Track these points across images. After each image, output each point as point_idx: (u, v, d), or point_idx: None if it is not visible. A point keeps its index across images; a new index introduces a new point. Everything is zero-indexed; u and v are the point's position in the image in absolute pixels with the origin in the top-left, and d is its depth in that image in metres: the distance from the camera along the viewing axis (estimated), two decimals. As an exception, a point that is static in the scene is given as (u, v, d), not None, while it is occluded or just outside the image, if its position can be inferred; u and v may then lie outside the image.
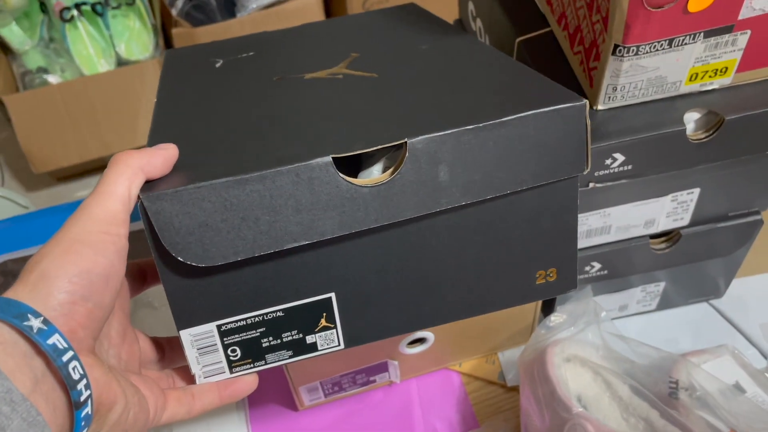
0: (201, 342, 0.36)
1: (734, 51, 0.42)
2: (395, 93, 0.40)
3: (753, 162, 0.48)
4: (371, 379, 0.57)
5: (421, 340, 0.55)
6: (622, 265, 0.54)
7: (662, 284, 0.59)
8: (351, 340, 0.38)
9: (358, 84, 0.42)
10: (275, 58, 0.51)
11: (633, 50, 0.41)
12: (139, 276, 0.39)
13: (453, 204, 0.34)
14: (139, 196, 0.31)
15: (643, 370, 0.52)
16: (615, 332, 0.54)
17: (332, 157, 0.32)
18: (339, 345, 0.38)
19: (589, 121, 0.35)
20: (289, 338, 0.37)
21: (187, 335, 0.35)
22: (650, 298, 0.60)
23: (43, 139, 1.41)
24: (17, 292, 0.28)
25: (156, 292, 0.65)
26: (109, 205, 0.30)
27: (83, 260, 0.29)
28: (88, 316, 0.29)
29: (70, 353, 0.27)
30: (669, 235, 0.53)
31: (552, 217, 0.38)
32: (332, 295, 0.36)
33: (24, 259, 0.69)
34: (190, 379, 0.37)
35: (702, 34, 0.41)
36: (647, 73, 0.43)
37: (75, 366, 0.27)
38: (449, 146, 0.33)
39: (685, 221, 0.52)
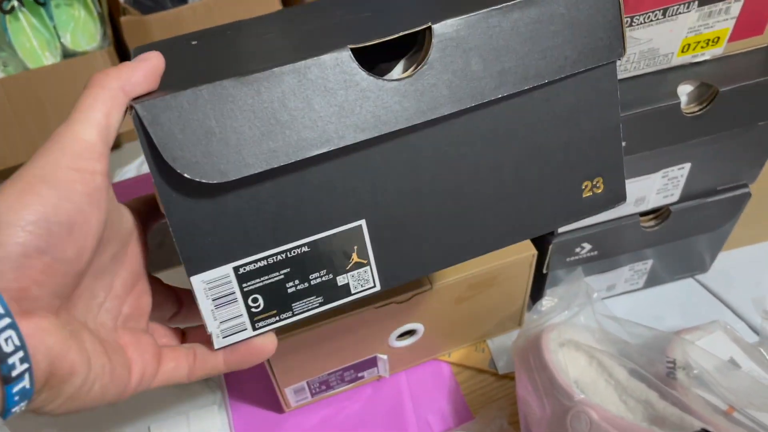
0: (217, 291, 0.30)
1: (727, 20, 0.41)
2: None
3: (742, 134, 0.47)
4: (359, 375, 0.54)
5: (410, 333, 0.53)
6: (613, 244, 0.53)
7: (650, 262, 0.58)
8: (387, 279, 0.33)
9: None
10: (259, 32, 0.45)
11: (627, 21, 0.39)
12: (153, 211, 0.33)
13: (490, 96, 0.31)
14: (132, 107, 0.27)
15: (637, 351, 0.51)
16: (607, 313, 0.53)
17: (350, 48, 0.28)
18: (375, 286, 0.33)
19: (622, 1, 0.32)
20: (318, 280, 0.32)
21: (199, 282, 0.30)
22: (638, 277, 0.59)
23: (-13, 138, 1.34)
24: None
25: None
26: (83, 134, 0.25)
27: (42, 204, 0.24)
28: (45, 272, 0.24)
29: (5, 320, 0.23)
30: (658, 212, 0.52)
31: (593, 115, 0.34)
32: (362, 222, 0.32)
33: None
34: (205, 341, 0.32)
35: (696, 2, 0.39)
36: (640, 45, 0.41)
37: (9, 336, 0.23)
38: (478, 31, 0.30)
39: (675, 197, 0.51)
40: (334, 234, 0.31)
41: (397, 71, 0.31)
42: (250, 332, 0.31)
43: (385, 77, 0.29)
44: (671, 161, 0.48)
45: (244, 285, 0.31)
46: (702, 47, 0.43)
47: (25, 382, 0.23)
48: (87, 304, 0.28)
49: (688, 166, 0.48)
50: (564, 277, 0.55)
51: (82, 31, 1.37)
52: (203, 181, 0.28)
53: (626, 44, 0.33)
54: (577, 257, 0.53)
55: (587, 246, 0.52)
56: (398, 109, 0.29)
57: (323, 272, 0.32)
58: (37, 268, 0.24)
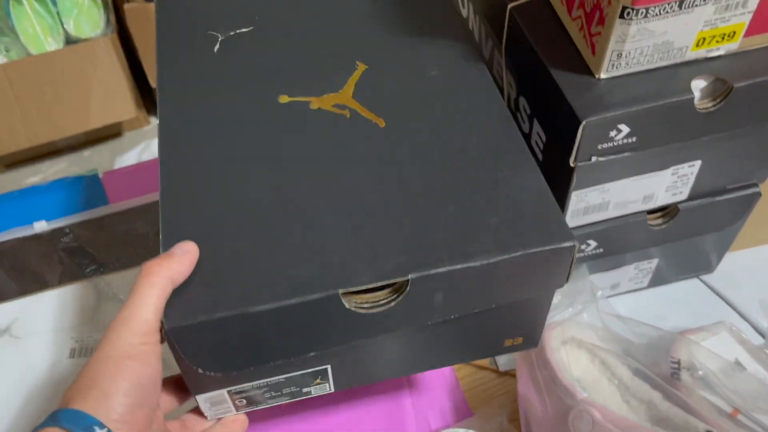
0: (213, 399, 0.40)
1: (744, 14, 0.40)
2: (401, 170, 0.41)
3: (756, 132, 0.46)
4: (358, 369, 0.54)
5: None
6: (619, 242, 0.52)
7: (655, 261, 0.57)
8: (340, 386, 0.43)
9: (363, 139, 0.42)
10: (276, 43, 0.48)
11: (642, 12, 0.38)
12: None
13: (443, 318, 0.38)
14: (164, 325, 0.34)
15: (641, 350, 0.50)
16: (611, 312, 0.53)
17: (340, 292, 0.35)
18: (330, 390, 0.43)
19: (575, 257, 0.38)
20: (288, 391, 0.41)
21: (202, 398, 0.40)
22: (642, 276, 0.59)
23: (-12, 124, 1.32)
24: (83, 406, 0.31)
25: (120, 285, 0.61)
26: (145, 316, 0.33)
27: (133, 374, 0.33)
28: (145, 420, 0.34)
29: None
30: (666, 210, 0.51)
31: (526, 310, 0.41)
32: (328, 367, 0.41)
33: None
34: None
35: (713, -5, 0.38)
36: (654, 38, 0.40)
37: None
38: (447, 279, 0.36)
39: (684, 195, 0.50)
40: (304, 372, 0.40)
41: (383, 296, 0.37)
42: (234, 413, 0.42)
43: (365, 310, 0.36)
44: (682, 158, 0.47)
45: (234, 397, 0.40)
46: (717, 41, 0.42)
47: None
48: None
49: (698, 163, 0.47)
50: (569, 274, 0.54)
51: (86, 17, 1.35)
52: (212, 374, 0.37)
53: (570, 278, 0.39)
54: (582, 254, 0.52)
55: (592, 243, 0.51)
56: (371, 326, 0.37)
57: (293, 388, 0.41)
58: (140, 419, 0.33)
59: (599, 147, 0.43)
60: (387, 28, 0.49)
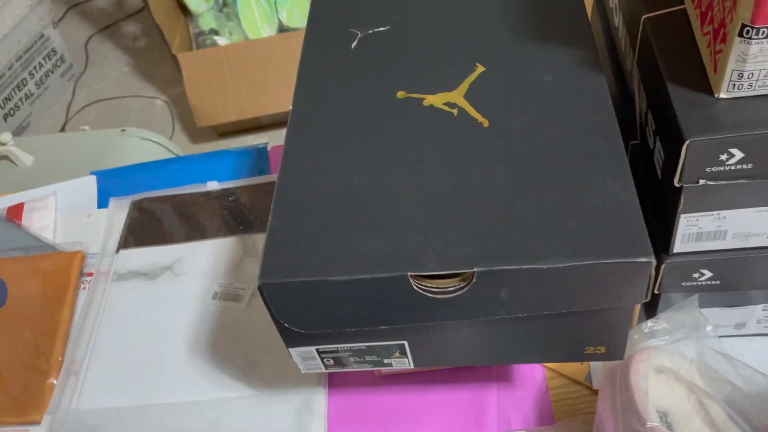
0: (304, 354, 0.45)
1: None
2: (491, 167, 0.42)
3: None
4: (449, 356, 0.56)
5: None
6: (739, 276, 0.48)
7: (791, 306, 0.52)
8: (419, 364, 0.46)
9: (464, 136, 0.44)
10: (407, 42, 0.52)
11: (763, 32, 0.36)
12: None
13: (509, 315, 0.40)
14: (258, 280, 0.39)
15: (746, 397, 0.46)
16: (719, 349, 0.49)
17: (409, 275, 0.38)
18: (409, 366, 0.46)
19: (653, 273, 0.37)
20: (371, 359, 0.45)
21: (294, 351, 0.45)
22: (775, 320, 0.53)
23: (207, 96, 1.53)
24: None
25: (262, 244, 0.68)
26: None
27: None
28: None
29: None
30: (801, 251, 0.47)
31: (604, 320, 0.41)
32: (405, 342, 0.44)
33: (158, 199, 0.76)
34: None
35: None
36: (777, 60, 0.37)
37: None
38: (514, 277, 0.37)
39: (822, 236, 0.45)
40: (384, 344, 0.44)
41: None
42: (323, 370, 0.47)
43: (432, 294, 0.39)
44: (816, 194, 0.42)
45: (322, 355, 0.45)
46: None
47: None
48: None
49: (838, 202, 0.43)
50: (680, 302, 0.51)
51: (299, 8, 1.50)
52: (297, 330, 0.42)
53: (650, 294, 0.38)
54: (694, 283, 0.49)
55: (707, 273, 0.48)
56: (438, 311, 0.40)
57: (374, 357, 0.45)
58: None
59: (707, 170, 0.41)
60: (513, 30, 0.50)
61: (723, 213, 0.44)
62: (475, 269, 0.37)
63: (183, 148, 1.61)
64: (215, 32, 1.51)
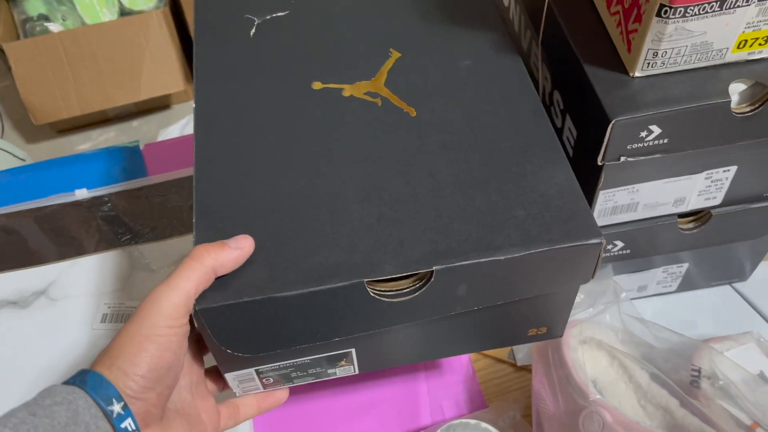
0: (241, 377, 0.41)
1: (790, 17, 0.39)
2: (430, 160, 0.41)
3: (797, 140, 0.44)
4: (376, 353, 0.55)
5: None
6: (647, 244, 0.51)
7: (685, 265, 0.56)
8: (364, 368, 0.43)
9: (394, 128, 0.42)
10: (311, 28, 0.49)
11: (680, 11, 0.37)
12: None
13: (466, 309, 0.39)
14: (195, 308, 0.35)
15: (662, 356, 0.49)
16: (634, 314, 0.52)
17: (365, 281, 0.35)
18: (354, 372, 0.43)
19: (602, 255, 0.37)
20: (314, 371, 0.42)
21: (230, 376, 0.40)
22: (671, 279, 0.57)
23: (43, 90, 1.37)
24: (108, 375, 0.33)
25: (152, 255, 0.62)
26: (176, 300, 0.34)
27: (152, 358, 0.34)
28: (158, 398, 0.35)
29: None
30: (698, 215, 0.50)
31: (551, 303, 0.41)
32: (353, 350, 0.41)
33: (18, 215, 0.67)
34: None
35: (757, -5, 0.37)
36: (692, 38, 0.39)
37: None
38: (472, 271, 0.36)
39: (717, 200, 0.49)
40: (330, 354, 0.41)
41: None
42: (261, 390, 0.43)
43: (388, 298, 0.37)
44: (716, 162, 0.45)
45: (261, 375, 0.41)
46: (760, 44, 0.40)
47: None
48: (175, 393, 0.38)
49: (734, 168, 0.46)
50: (593, 273, 0.53)
51: (141, -10, 1.38)
52: (240, 355, 0.38)
53: (595, 274, 0.39)
54: (607, 254, 0.51)
55: (619, 244, 0.50)
56: (394, 315, 0.38)
57: (318, 369, 0.42)
58: (153, 398, 0.35)
59: (629, 147, 0.42)
60: (422, 15, 0.49)
61: (636, 186, 0.46)
62: (434, 268, 0.35)
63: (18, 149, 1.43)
64: (45, 18, 1.35)
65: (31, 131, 1.58)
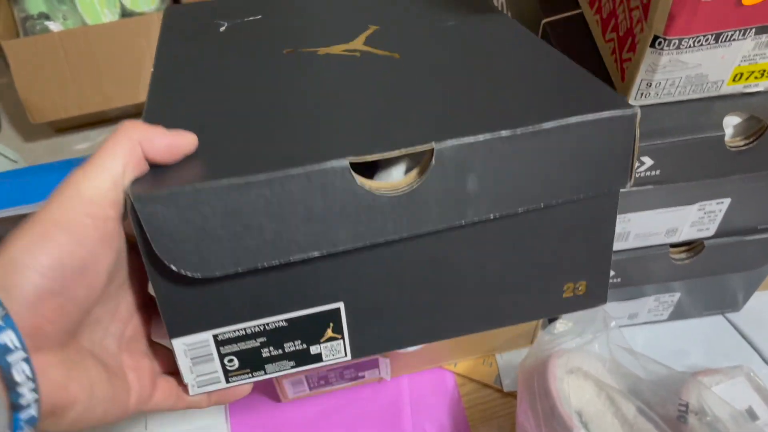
0: (195, 351, 0.32)
1: (787, 51, 0.38)
2: (419, 79, 0.35)
3: (792, 174, 0.44)
4: (360, 374, 0.53)
5: (415, 339, 0.51)
6: (638, 273, 0.50)
7: (677, 294, 0.55)
8: (358, 350, 0.34)
9: (378, 65, 0.37)
10: (285, 24, 0.46)
11: (674, 43, 0.36)
12: None
13: (480, 217, 0.31)
14: (128, 194, 0.27)
15: (650, 388, 0.48)
16: (623, 344, 0.51)
17: (349, 161, 0.28)
18: (345, 356, 0.34)
19: (638, 132, 0.30)
20: (292, 349, 0.33)
21: (179, 344, 0.31)
22: (663, 308, 0.57)
23: (41, 88, 1.36)
24: None
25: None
26: (99, 182, 0.26)
27: (58, 249, 0.25)
28: (57, 311, 0.26)
29: (20, 354, 0.24)
30: (691, 245, 0.49)
31: (586, 231, 0.34)
32: (341, 305, 0.33)
33: (9, 220, 0.66)
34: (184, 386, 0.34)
35: (753, 30, 0.36)
36: (687, 69, 0.38)
37: (22, 368, 0.24)
38: (481, 154, 0.29)
39: (710, 232, 0.48)
40: (312, 313, 0.32)
41: (398, 171, 0.30)
42: (223, 384, 0.33)
43: (381, 191, 0.29)
44: (710, 194, 0.45)
45: (222, 348, 0.32)
46: (756, 78, 0.39)
47: (33, 411, 0.25)
48: (92, 331, 0.30)
49: (727, 201, 0.45)
50: (583, 300, 0.52)
51: (143, -9, 1.38)
52: (189, 274, 0.28)
53: (633, 175, 0.32)
54: (598, 282, 0.50)
55: (611, 272, 0.50)
56: (389, 220, 0.30)
57: (298, 342, 0.33)
58: (50, 309, 0.25)
59: (620, 178, 0.41)
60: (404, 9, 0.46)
61: (628, 216, 0.45)
62: (434, 145, 0.28)
63: (15, 148, 1.42)
64: (46, 16, 1.34)
65: (29, 129, 1.57)
